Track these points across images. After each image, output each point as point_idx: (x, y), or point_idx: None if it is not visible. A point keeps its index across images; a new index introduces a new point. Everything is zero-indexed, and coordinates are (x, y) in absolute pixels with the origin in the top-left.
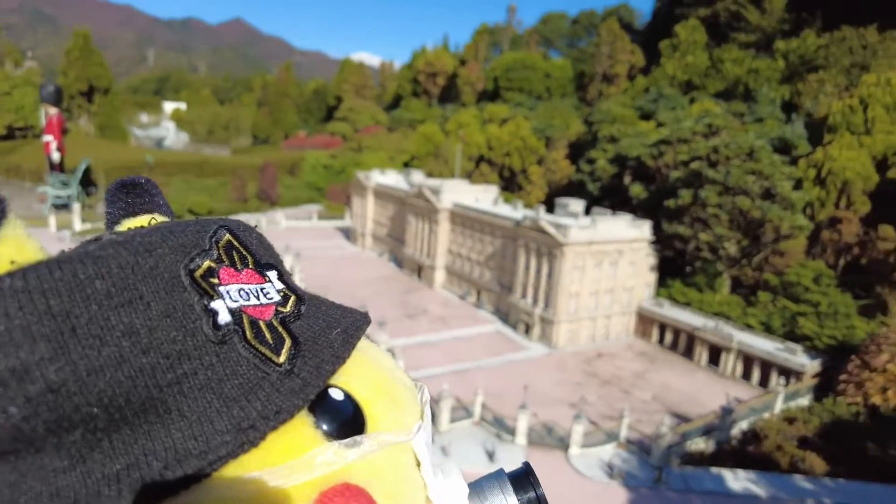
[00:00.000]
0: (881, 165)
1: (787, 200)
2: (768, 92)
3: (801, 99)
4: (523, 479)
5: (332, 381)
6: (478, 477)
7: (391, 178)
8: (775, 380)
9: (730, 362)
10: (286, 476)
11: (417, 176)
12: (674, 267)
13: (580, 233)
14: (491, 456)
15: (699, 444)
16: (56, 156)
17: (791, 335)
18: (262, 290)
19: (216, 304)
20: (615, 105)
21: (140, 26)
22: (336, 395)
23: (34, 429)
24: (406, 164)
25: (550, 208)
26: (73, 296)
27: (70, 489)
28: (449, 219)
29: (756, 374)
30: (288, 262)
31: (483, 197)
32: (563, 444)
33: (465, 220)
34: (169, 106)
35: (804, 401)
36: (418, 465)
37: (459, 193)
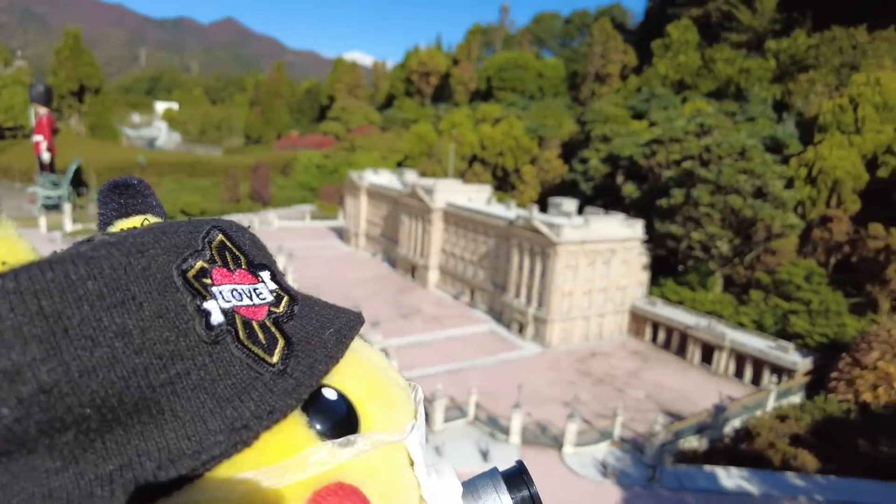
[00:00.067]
0: (871, 164)
1: (778, 199)
2: (760, 91)
3: (792, 98)
4: (517, 477)
5: (326, 380)
6: (472, 476)
7: (384, 178)
8: (767, 378)
9: (722, 361)
10: (280, 476)
11: (411, 175)
12: (666, 266)
13: (573, 232)
14: (485, 455)
15: (692, 443)
16: (46, 156)
17: (783, 333)
18: (254, 290)
19: (209, 305)
20: (608, 105)
21: (131, 26)
22: (329, 394)
23: (26, 430)
24: (399, 164)
25: (543, 208)
26: (65, 297)
27: (63, 490)
28: (442, 218)
29: (748, 373)
30: (281, 263)
31: (476, 196)
32: (557, 443)
33: (458, 219)
34: (161, 106)
35: (796, 398)
36: (412, 464)
37: (453, 193)
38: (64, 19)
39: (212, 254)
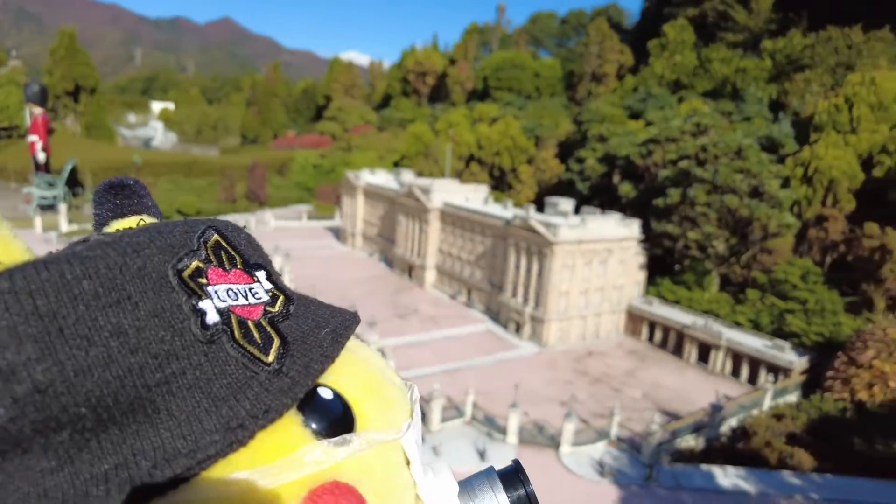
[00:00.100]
0: (866, 164)
1: (774, 199)
2: (756, 91)
3: (787, 98)
4: (513, 476)
5: (322, 380)
6: (468, 475)
7: (381, 178)
8: (764, 377)
9: (719, 360)
10: (275, 474)
11: (407, 175)
12: (663, 265)
13: (570, 232)
14: (482, 455)
15: (689, 442)
16: (41, 156)
17: (779, 332)
18: (250, 289)
19: (204, 304)
20: (604, 104)
21: (127, 25)
22: (325, 393)
23: (21, 429)
24: (396, 164)
25: (540, 207)
26: (61, 296)
27: (58, 489)
28: (439, 218)
29: (745, 372)
30: (277, 263)
31: (473, 196)
32: (554, 442)
33: (455, 219)
34: (157, 106)
35: (792, 397)
36: (408, 463)
37: (449, 193)
38: (59, 19)
39: (207, 253)
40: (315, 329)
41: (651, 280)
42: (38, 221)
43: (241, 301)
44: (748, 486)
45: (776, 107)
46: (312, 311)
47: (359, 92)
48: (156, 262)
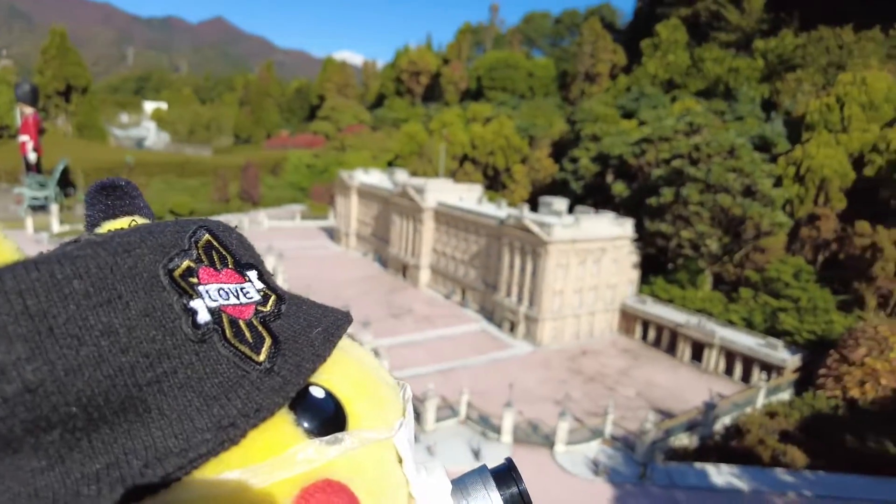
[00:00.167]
0: (857, 163)
1: (767, 198)
2: (748, 91)
3: (779, 97)
4: (506, 474)
5: (314, 379)
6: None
7: (375, 178)
8: (757, 375)
9: (712, 358)
10: (267, 473)
11: (401, 175)
12: (656, 264)
13: (564, 231)
14: (476, 454)
15: (683, 440)
16: (32, 156)
17: (772, 330)
18: (241, 289)
19: (195, 304)
20: (597, 104)
21: (119, 24)
22: (317, 392)
23: (11, 429)
24: (390, 164)
25: (534, 207)
26: (51, 296)
27: (49, 489)
28: (433, 218)
29: (738, 370)
30: (271, 263)
31: (467, 196)
32: (549, 441)
33: (449, 219)
34: (149, 105)
35: (785, 395)
36: (400, 461)
37: (443, 192)
38: (50, 17)
39: (198, 253)
40: (307, 328)
41: (644, 279)
42: (29, 222)
43: (233, 300)
44: (741, 484)
45: (768, 106)
46: (304, 310)
47: (352, 91)
48: (147, 262)
